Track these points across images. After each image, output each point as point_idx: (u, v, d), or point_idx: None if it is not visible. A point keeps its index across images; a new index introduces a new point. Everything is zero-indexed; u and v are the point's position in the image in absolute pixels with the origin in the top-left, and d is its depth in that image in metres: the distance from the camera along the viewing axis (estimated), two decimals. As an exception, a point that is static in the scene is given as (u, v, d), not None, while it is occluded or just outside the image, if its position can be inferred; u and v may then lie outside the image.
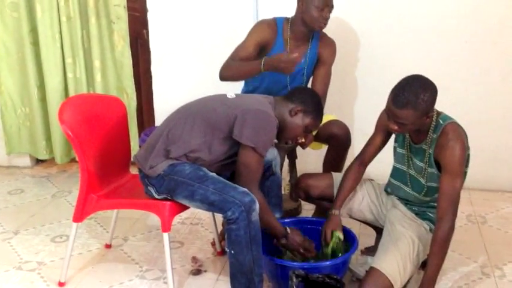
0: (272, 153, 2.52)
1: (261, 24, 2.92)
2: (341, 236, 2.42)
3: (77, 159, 3.76)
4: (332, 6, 2.77)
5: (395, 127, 2.19)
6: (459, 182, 2.18)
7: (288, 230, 2.36)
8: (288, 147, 2.81)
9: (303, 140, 2.43)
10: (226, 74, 2.77)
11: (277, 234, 2.35)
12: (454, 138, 2.17)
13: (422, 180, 2.34)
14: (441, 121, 2.23)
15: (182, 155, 2.25)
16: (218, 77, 2.78)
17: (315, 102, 2.38)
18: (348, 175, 2.51)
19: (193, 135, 2.25)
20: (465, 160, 2.21)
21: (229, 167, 2.34)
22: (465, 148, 2.19)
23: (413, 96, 2.10)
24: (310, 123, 2.36)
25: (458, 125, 2.24)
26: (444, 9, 3.31)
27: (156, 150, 2.28)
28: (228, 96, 2.37)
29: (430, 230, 2.34)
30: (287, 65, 2.51)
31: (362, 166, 2.51)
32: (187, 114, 2.32)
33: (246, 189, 2.17)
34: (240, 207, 2.11)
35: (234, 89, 2.86)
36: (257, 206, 2.15)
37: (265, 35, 2.85)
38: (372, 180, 2.65)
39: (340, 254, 2.40)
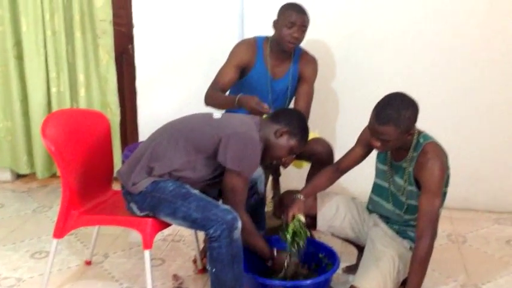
0: (257, 172, 2.53)
1: (240, 46, 2.95)
2: (302, 219, 2.40)
3: (58, 174, 3.77)
4: (303, 26, 2.79)
5: (378, 144, 2.21)
6: (438, 201, 2.21)
7: (275, 251, 2.37)
8: (270, 166, 2.83)
9: (282, 161, 2.44)
10: (207, 103, 2.84)
11: (264, 255, 2.35)
12: (433, 157, 2.21)
13: (402, 198, 2.36)
14: (421, 140, 2.27)
15: (166, 173, 2.24)
16: (203, 98, 2.84)
17: (300, 124, 2.39)
18: (322, 174, 2.55)
19: (177, 155, 2.24)
20: (444, 179, 2.24)
21: (214, 186, 2.34)
22: (444, 167, 2.22)
23: (395, 113, 2.13)
24: (295, 145, 2.36)
25: (438, 144, 2.27)
26: (426, 29, 3.35)
27: (139, 167, 2.27)
28: (214, 116, 2.37)
29: (411, 248, 2.36)
30: (254, 110, 2.57)
31: (337, 172, 2.54)
32: (171, 132, 2.31)
33: (228, 207, 2.17)
34: (222, 225, 2.10)
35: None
36: (239, 224, 2.15)
37: (244, 56, 2.89)
38: (354, 198, 2.67)
39: (301, 238, 2.38)
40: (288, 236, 2.38)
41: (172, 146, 2.26)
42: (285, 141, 2.34)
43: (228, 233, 2.11)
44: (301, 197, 2.46)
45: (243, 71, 2.91)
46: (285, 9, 2.83)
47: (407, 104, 2.18)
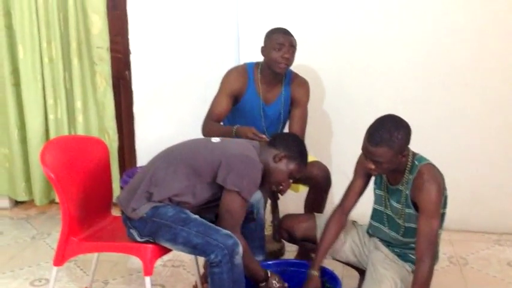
0: (255, 196, 2.52)
1: (231, 74, 2.97)
2: None
3: (56, 200, 3.76)
4: (292, 46, 2.83)
5: (372, 166, 2.22)
6: (436, 223, 2.20)
7: (269, 274, 2.35)
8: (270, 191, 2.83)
9: (282, 186, 2.42)
10: (205, 134, 2.86)
11: (258, 278, 2.34)
12: (429, 179, 2.21)
13: (400, 221, 2.36)
14: (416, 162, 2.27)
15: (165, 198, 2.24)
16: (201, 127, 2.89)
17: (299, 148, 2.39)
18: (329, 228, 2.47)
19: (177, 180, 2.24)
20: (441, 201, 2.24)
21: (213, 210, 2.34)
22: (441, 189, 2.22)
23: (387, 134, 2.14)
24: (294, 169, 2.36)
25: (434, 166, 2.27)
26: (418, 51, 3.38)
27: (139, 193, 2.27)
28: (213, 140, 2.38)
29: (412, 271, 2.34)
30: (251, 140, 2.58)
31: (343, 215, 2.49)
32: (170, 158, 2.32)
33: (229, 232, 2.17)
34: (223, 251, 2.10)
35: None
36: (240, 249, 2.14)
37: (236, 85, 2.92)
38: (354, 221, 2.66)
39: None
40: None
41: (171, 171, 2.26)
42: (284, 166, 2.34)
43: (229, 258, 2.10)
44: (315, 273, 2.40)
45: (236, 98, 2.93)
46: (271, 34, 2.87)
47: (399, 125, 2.20)
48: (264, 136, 2.61)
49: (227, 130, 2.77)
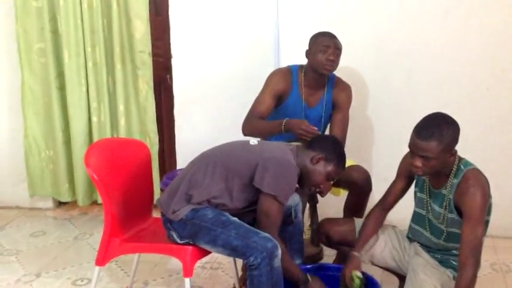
0: (294, 199, 2.52)
1: (275, 75, 2.98)
2: (360, 275, 2.36)
3: (98, 201, 3.84)
4: (337, 49, 2.83)
5: (419, 164, 2.18)
6: (480, 230, 2.16)
7: (309, 277, 2.35)
8: (309, 193, 2.83)
9: (321, 188, 2.43)
10: (247, 132, 2.85)
11: (298, 280, 2.33)
12: (474, 184, 2.17)
13: (442, 226, 2.32)
14: (462, 167, 2.23)
15: (204, 200, 2.27)
16: (241, 128, 2.88)
17: (336, 150, 2.40)
18: (369, 220, 2.51)
19: (215, 181, 2.27)
20: (486, 207, 2.20)
21: (251, 214, 2.35)
22: (486, 195, 2.18)
23: (437, 129, 2.13)
24: (332, 171, 2.36)
25: (480, 172, 2.23)
26: (463, 54, 3.33)
27: (179, 195, 2.30)
28: (251, 142, 2.40)
29: (454, 278, 2.31)
30: (303, 132, 2.59)
31: (384, 211, 2.51)
32: (208, 160, 2.34)
33: (268, 235, 2.18)
34: (262, 253, 2.11)
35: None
36: (279, 251, 2.15)
37: (280, 86, 2.92)
38: (394, 226, 2.63)
39: None
40: None
41: (209, 172, 2.29)
42: (321, 168, 2.35)
43: (269, 261, 2.11)
44: (355, 253, 2.41)
45: (278, 100, 2.94)
46: (316, 37, 2.88)
47: (449, 121, 2.18)
48: (315, 129, 2.60)
49: (275, 124, 2.76)
